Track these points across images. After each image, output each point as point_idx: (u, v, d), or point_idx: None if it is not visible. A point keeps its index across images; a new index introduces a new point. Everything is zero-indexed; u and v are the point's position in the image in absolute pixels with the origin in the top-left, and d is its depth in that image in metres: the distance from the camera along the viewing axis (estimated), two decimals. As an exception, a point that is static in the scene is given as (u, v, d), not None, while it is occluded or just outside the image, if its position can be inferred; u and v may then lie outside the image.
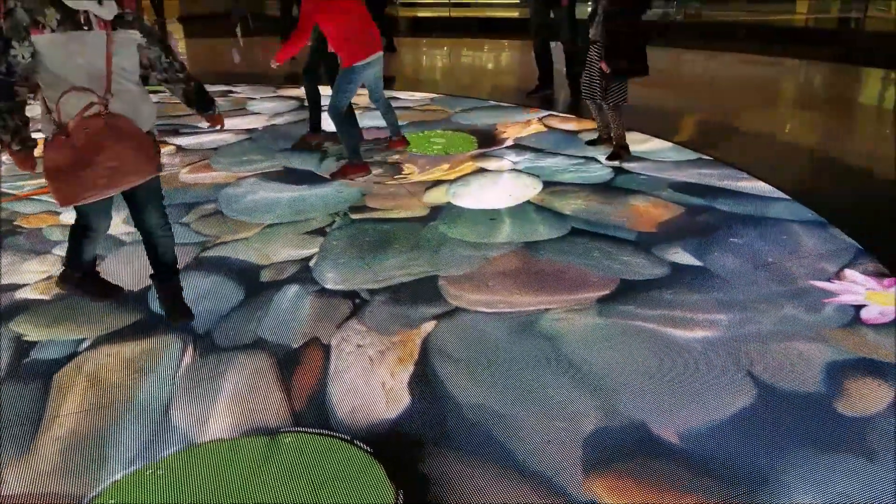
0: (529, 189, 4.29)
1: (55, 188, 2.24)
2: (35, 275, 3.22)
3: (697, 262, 3.27)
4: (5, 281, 3.16)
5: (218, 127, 2.74)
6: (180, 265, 2.83)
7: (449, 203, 4.07)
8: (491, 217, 3.86)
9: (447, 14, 13.75)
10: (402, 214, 3.92)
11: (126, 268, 3.28)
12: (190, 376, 2.46)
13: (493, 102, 6.77)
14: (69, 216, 3.84)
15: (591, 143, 5.15)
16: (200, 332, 2.72)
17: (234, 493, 1.94)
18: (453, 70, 10.05)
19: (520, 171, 4.64)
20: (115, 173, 2.25)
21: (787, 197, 4.09)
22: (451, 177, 4.54)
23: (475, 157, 4.95)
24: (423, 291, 3.05)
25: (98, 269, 2.94)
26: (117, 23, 2.28)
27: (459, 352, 2.60)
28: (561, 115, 6.20)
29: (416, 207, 4.01)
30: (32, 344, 2.66)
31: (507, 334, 2.71)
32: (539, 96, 6.84)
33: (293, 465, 2.04)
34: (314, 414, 2.26)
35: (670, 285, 3.06)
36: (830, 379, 2.39)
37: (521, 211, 3.94)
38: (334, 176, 4.54)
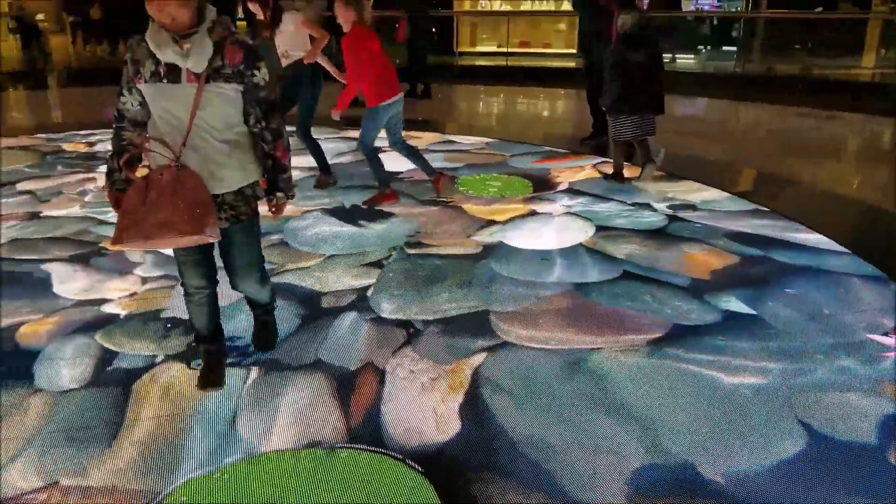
0: (582, 232, 4.41)
1: (116, 226, 2.21)
2: (118, 292, 3.51)
3: (751, 311, 3.31)
4: (92, 296, 3.45)
5: (272, 215, 2.53)
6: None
7: (501, 242, 4.23)
8: (543, 257, 3.99)
9: (504, 63, 14.18)
10: (456, 251, 4.09)
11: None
12: (254, 392, 2.65)
13: (547, 148, 6.96)
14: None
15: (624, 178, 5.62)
16: (264, 352, 2.92)
17: (292, 500, 2.09)
18: (508, 116, 10.33)
19: (573, 214, 4.77)
20: (160, 228, 2.15)
21: (847, 250, 4.10)
22: (505, 217, 4.71)
23: (528, 200, 5.11)
24: (475, 325, 3.19)
25: (220, 351, 2.73)
26: (212, 76, 2.21)
27: (508, 384, 2.72)
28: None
29: (468, 245, 4.19)
30: (114, 354, 2.91)
31: (556, 370, 2.81)
32: (593, 144, 7.00)
33: (348, 479, 2.18)
34: (369, 432, 2.41)
35: (722, 332, 3.12)
36: (885, 432, 2.40)
37: (572, 253, 4.07)
38: (367, 202, 4.96)
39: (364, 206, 4.92)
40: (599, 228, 4.48)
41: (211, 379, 2.63)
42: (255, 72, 2.28)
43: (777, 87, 10.84)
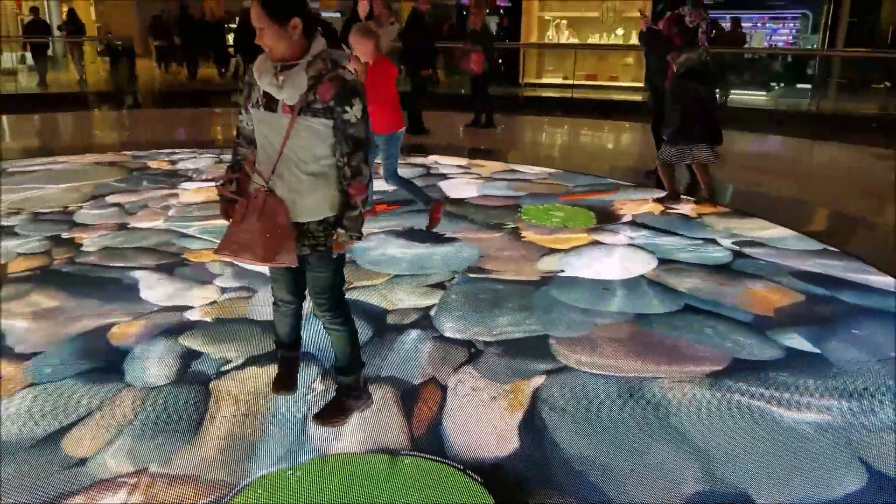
0: (644, 264, 4.48)
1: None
2: (199, 300, 3.79)
3: (814, 349, 3.32)
4: (176, 303, 3.73)
5: (334, 249, 2.46)
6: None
7: (562, 271, 4.34)
8: (604, 287, 4.08)
9: (570, 95, 14.34)
10: (517, 277, 4.22)
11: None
12: (323, 396, 2.83)
13: (611, 180, 7.04)
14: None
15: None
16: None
17: (357, 499, 2.24)
18: (573, 148, 10.45)
19: (635, 246, 4.84)
20: (241, 246, 2.32)
21: (920, 294, 4.03)
22: (567, 246, 4.81)
23: (591, 230, 5.21)
24: (535, 348, 3.30)
25: (294, 359, 2.88)
26: (304, 109, 2.27)
27: (567, 406, 2.82)
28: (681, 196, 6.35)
29: (530, 272, 4.31)
30: (196, 356, 3.16)
31: (614, 395, 2.90)
32: (658, 176, 7.03)
33: (411, 484, 2.33)
34: (431, 442, 2.56)
35: (784, 368, 3.14)
36: (951, 476, 2.39)
37: (634, 284, 4.14)
38: (429, 227, 5.12)
39: (427, 231, 5.10)
40: (662, 261, 4.53)
41: (285, 384, 2.82)
42: (347, 108, 2.27)
43: (852, 127, 10.61)
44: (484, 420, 2.71)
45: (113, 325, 3.48)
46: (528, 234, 5.10)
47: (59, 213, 5.42)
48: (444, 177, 7.02)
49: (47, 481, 2.32)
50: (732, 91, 13.01)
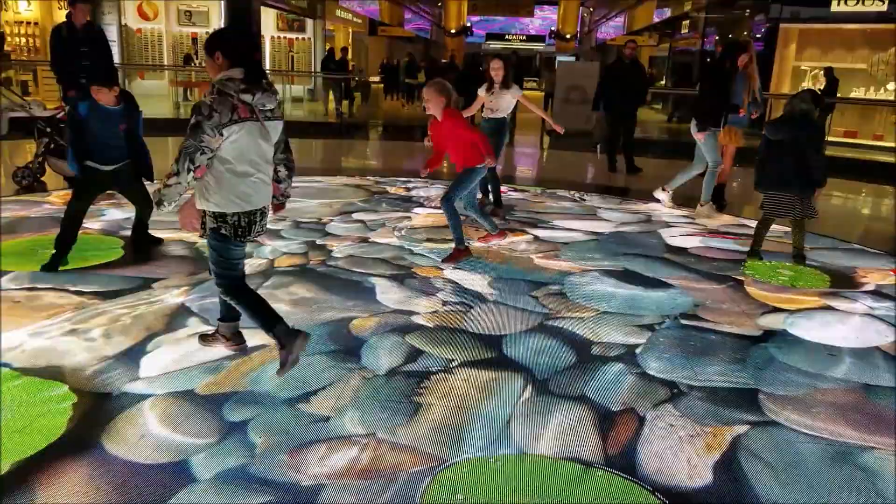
0: (881, 336, 4.24)
1: None
2: (424, 308, 4.41)
3: None
4: (405, 308, 4.39)
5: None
6: (525, 326, 3.28)
7: (785, 330, 4.27)
8: (830, 353, 3.96)
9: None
10: (734, 330, 4.24)
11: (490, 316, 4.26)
12: (526, 404, 3.20)
13: (857, 245, 6.60)
14: (449, 272, 5.08)
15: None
16: (538, 377, 3.48)
17: (549, 498, 2.55)
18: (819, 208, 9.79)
19: (875, 317, 4.58)
20: None
21: None
22: (794, 307, 4.70)
23: (823, 294, 5.00)
24: (742, 399, 3.36)
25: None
26: None
27: (769, 457, 2.87)
28: None
29: (749, 327, 4.31)
30: (419, 353, 3.72)
31: (823, 456, 2.89)
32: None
33: (600, 493, 2.59)
34: (623, 462, 2.79)
35: None
36: None
37: (866, 355, 3.96)
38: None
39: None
40: (905, 336, 4.25)
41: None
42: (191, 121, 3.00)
43: None
44: (679, 453, 2.87)
45: (353, 318, 4.18)
46: (752, 290, 5.05)
47: (315, 224, 6.50)
48: (665, 224, 7.11)
49: (300, 429, 2.95)
50: None
